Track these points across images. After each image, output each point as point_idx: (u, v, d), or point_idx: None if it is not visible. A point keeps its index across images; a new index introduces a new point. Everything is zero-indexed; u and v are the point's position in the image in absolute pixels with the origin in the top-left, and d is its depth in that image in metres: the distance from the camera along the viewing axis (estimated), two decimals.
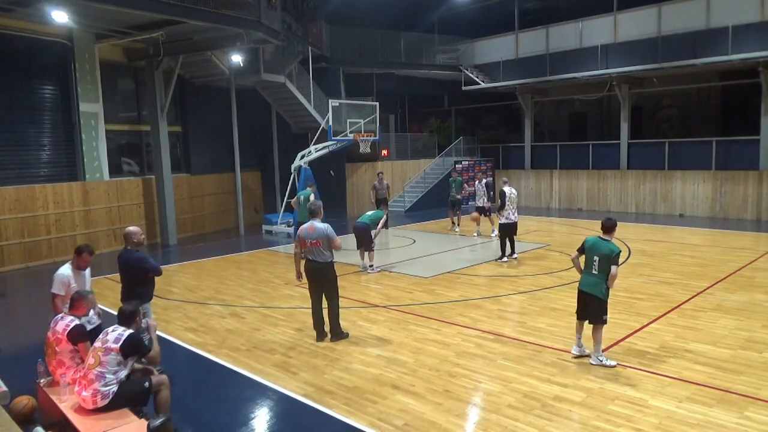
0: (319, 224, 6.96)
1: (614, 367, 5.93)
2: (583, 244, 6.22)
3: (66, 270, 5.64)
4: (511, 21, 21.45)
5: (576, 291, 8.86)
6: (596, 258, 6.02)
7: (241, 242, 15.80)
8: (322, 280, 7.03)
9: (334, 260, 7.10)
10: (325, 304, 7.15)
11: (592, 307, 6.08)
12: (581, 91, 21.51)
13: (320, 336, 7.11)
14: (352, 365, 6.29)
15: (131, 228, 6.13)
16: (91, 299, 5.26)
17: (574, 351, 6.31)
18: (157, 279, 6.24)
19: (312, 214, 7.12)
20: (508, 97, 23.29)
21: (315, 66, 18.53)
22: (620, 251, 6.11)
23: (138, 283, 5.98)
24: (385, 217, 11.57)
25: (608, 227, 6.17)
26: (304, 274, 7.10)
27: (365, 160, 20.36)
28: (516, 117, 24.65)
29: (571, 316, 7.66)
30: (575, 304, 8.17)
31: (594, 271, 6.06)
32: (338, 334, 7.10)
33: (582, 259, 6.29)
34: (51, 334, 5.04)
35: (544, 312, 7.97)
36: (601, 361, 6.00)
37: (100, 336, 4.72)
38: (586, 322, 6.22)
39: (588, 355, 6.18)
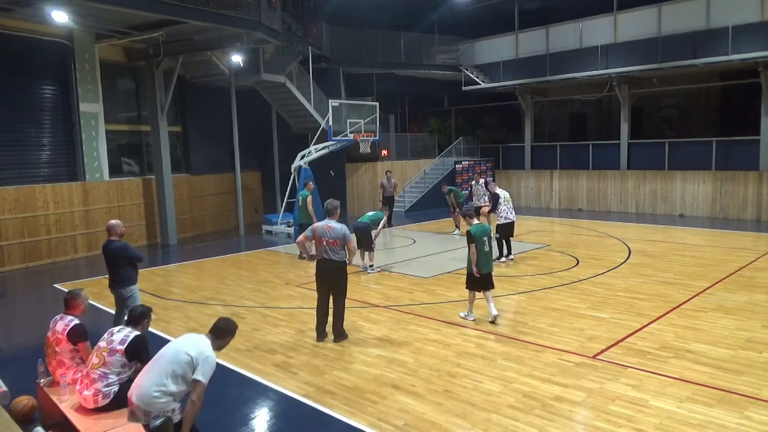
0: (335, 224, 6.93)
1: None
2: (472, 236, 7.32)
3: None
4: (511, 21, 21.45)
5: (577, 290, 8.92)
6: (486, 239, 7.39)
7: (241, 242, 15.79)
8: (333, 280, 6.99)
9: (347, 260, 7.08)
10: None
11: (490, 276, 7.50)
12: (581, 91, 21.52)
13: (321, 336, 7.11)
14: (352, 365, 6.28)
15: (113, 221, 6.89)
16: (84, 296, 5.24)
17: (471, 317, 7.62)
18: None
19: (329, 214, 7.06)
20: (508, 97, 23.29)
21: (315, 66, 18.51)
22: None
23: (120, 267, 6.68)
24: (386, 217, 11.58)
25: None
26: (316, 271, 7.04)
27: (365, 161, 20.36)
28: (516, 117, 24.64)
29: (572, 317, 7.70)
30: (576, 304, 8.25)
31: (487, 249, 7.40)
32: (341, 335, 7.09)
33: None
34: (51, 334, 5.04)
35: (544, 312, 7.97)
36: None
37: (105, 335, 4.71)
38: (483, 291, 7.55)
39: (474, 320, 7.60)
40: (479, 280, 7.46)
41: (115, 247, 6.67)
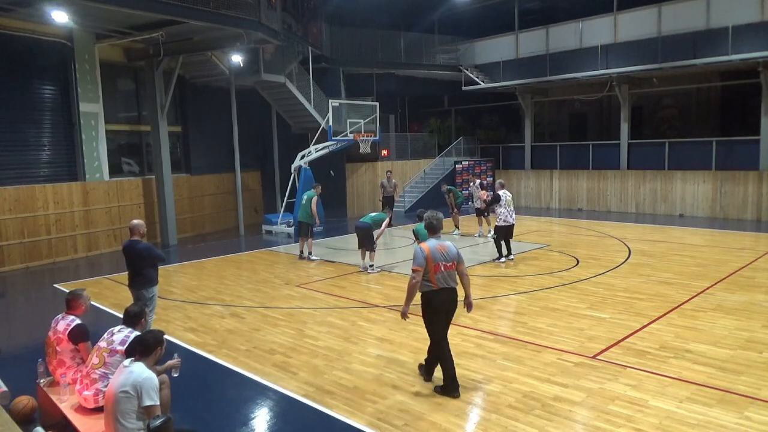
0: (447, 242, 5.61)
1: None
2: (416, 233, 8.74)
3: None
4: (511, 21, 21.46)
5: (576, 290, 8.96)
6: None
7: (241, 242, 15.79)
8: (453, 311, 5.60)
9: None
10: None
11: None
12: (581, 91, 21.52)
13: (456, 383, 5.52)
14: (352, 365, 6.29)
15: (136, 221, 6.88)
16: (86, 296, 5.25)
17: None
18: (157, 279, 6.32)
19: (434, 230, 5.67)
20: (508, 97, 23.29)
21: (315, 66, 18.51)
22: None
23: (144, 268, 6.68)
24: (388, 219, 11.56)
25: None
26: (432, 308, 5.51)
27: (365, 160, 20.36)
28: (516, 117, 24.65)
29: (572, 317, 7.72)
30: (575, 304, 8.26)
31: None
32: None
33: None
34: (52, 333, 5.05)
35: (544, 312, 7.97)
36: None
37: (105, 335, 4.71)
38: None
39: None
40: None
41: (141, 247, 6.66)
